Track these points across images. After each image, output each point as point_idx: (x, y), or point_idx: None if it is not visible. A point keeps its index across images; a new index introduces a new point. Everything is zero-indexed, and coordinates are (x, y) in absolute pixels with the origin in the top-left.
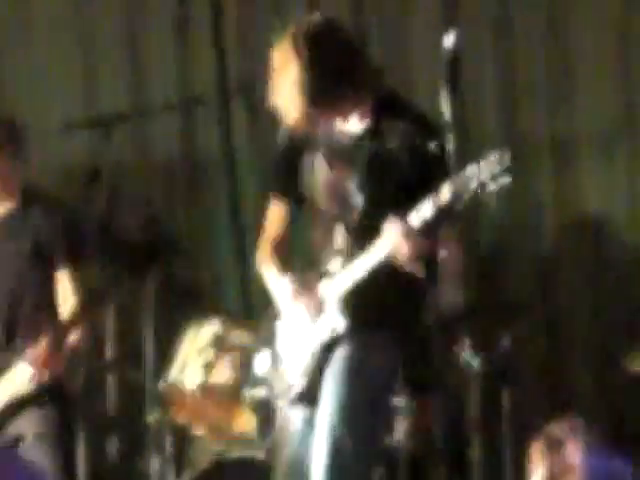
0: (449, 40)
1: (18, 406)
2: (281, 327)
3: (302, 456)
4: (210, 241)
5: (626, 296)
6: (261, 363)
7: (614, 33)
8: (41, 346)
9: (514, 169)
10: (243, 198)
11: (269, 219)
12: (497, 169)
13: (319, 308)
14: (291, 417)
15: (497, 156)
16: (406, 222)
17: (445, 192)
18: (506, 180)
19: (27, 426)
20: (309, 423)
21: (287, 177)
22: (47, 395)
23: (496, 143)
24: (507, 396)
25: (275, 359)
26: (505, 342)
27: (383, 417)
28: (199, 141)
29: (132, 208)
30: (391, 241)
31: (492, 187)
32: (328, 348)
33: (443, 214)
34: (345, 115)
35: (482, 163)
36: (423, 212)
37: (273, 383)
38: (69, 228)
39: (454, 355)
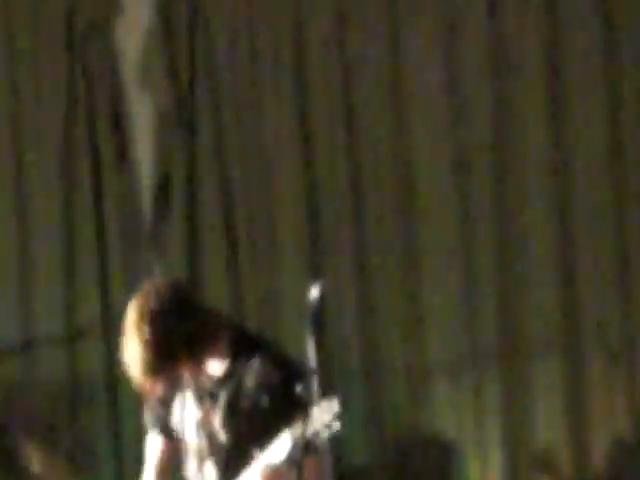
0: (314, 292)
1: None
2: None
3: None
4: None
5: None
6: None
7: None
8: None
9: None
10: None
11: (149, 454)
12: (328, 417)
13: None
14: None
15: (327, 404)
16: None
17: (285, 440)
18: (336, 426)
19: None
20: None
21: (163, 416)
22: None
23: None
24: None
25: None
26: None
27: None
28: (83, 370)
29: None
30: None
31: (325, 434)
32: None
33: (291, 453)
34: (202, 362)
35: (315, 411)
36: (273, 455)
37: None
38: None
39: None
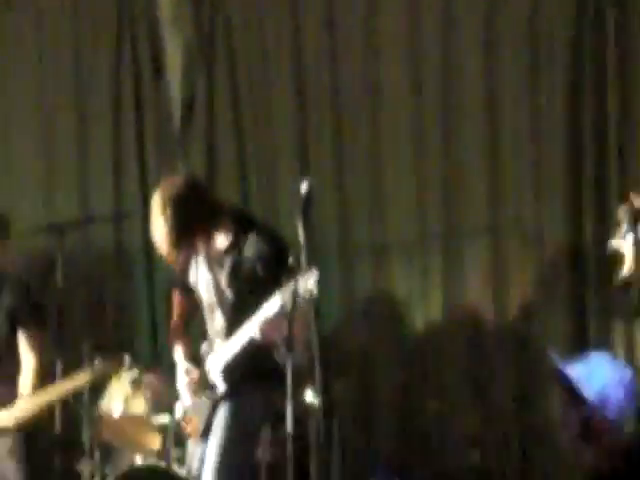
0: (303, 187)
1: None
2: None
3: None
4: (132, 312)
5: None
6: (177, 410)
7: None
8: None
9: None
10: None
11: (175, 306)
12: (310, 284)
13: (203, 382)
14: (194, 452)
15: (308, 274)
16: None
17: (275, 301)
18: (315, 292)
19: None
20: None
21: (183, 277)
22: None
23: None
24: (336, 425)
25: (186, 405)
26: (335, 389)
27: (253, 446)
28: (126, 244)
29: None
30: (250, 334)
31: (306, 297)
32: (217, 401)
33: (281, 309)
34: (212, 236)
35: (299, 279)
36: (267, 310)
37: (183, 425)
38: (32, 304)
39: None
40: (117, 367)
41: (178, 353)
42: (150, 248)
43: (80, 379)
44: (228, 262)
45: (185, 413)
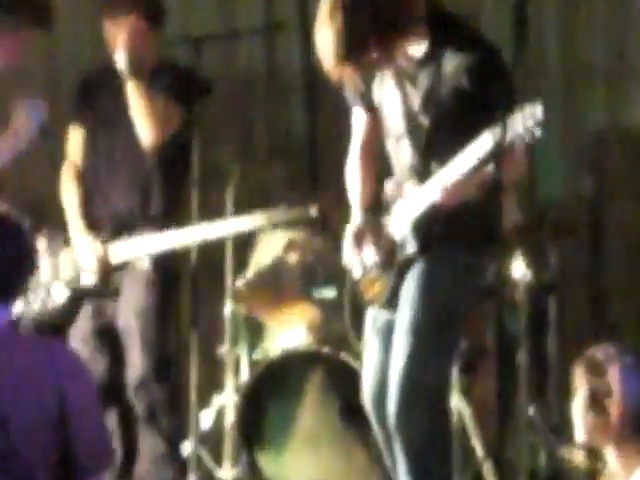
0: None
1: None
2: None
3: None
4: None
5: None
6: (354, 269)
7: None
8: None
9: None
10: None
11: (356, 129)
12: (530, 122)
13: (384, 249)
14: (375, 322)
15: (530, 109)
16: (445, 183)
17: (486, 140)
18: (537, 133)
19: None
20: (389, 328)
21: (365, 90)
22: None
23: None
24: (554, 308)
25: (362, 267)
26: (553, 257)
27: (456, 326)
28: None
29: None
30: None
31: (526, 139)
32: (406, 263)
33: (490, 155)
34: (394, 47)
35: (517, 115)
36: (462, 165)
37: (358, 289)
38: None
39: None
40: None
41: (355, 194)
42: (311, 68)
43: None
44: (424, 78)
45: (366, 273)
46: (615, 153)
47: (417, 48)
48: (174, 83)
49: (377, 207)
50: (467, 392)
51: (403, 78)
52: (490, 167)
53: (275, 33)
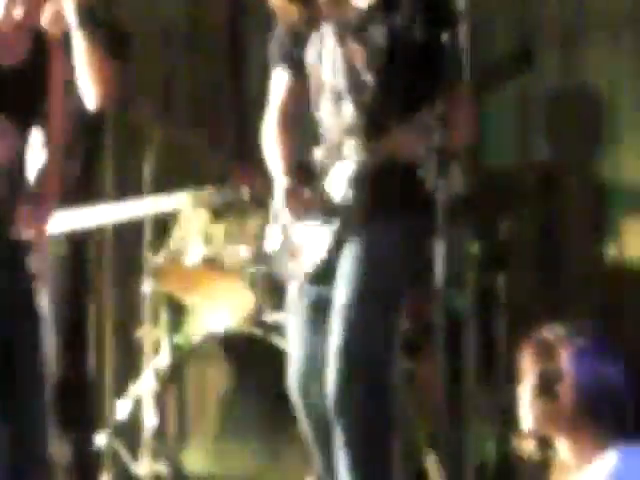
0: None
1: None
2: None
3: (315, 345)
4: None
5: None
6: (270, 239)
7: None
8: None
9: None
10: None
11: (275, 92)
12: (517, 63)
13: (316, 202)
14: (301, 297)
15: (518, 50)
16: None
17: (468, 83)
18: (523, 72)
19: None
20: (319, 305)
21: (294, 49)
22: None
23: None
24: (503, 282)
25: (286, 235)
26: (503, 229)
27: (398, 300)
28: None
29: None
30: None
31: (512, 78)
32: (343, 226)
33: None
34: None
35: (504, 57)
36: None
37: (283, 260)
38: None
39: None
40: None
41: (276, 160)
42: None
43: None
44: (372, 31)
45: (286, 245)
46: (570, 115)
47: None
48: (110, 37)
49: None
50: (410, 377)
51: (346, 33)
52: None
53: None
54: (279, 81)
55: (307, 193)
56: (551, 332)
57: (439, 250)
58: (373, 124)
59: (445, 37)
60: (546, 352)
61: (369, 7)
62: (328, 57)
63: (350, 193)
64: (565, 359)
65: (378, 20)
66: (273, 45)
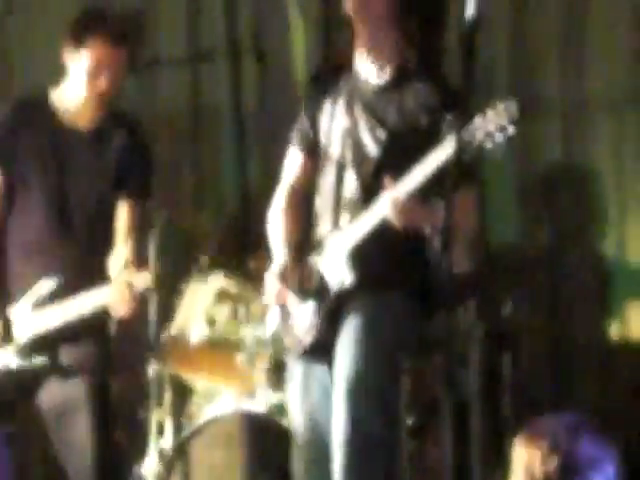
0: (470, 8)
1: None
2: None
3: (320, 420)
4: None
5: None
6: (270, 320)
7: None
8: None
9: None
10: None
11: (289, 169)
12: (504, 120)
13: (306, 285)
14: (297, 373)
15: (505, 106)
16: (399, 195)
17: (450, 143)
18: (512, 131)
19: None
20: (321, 379)
21: (309, 129)
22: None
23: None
24: (507, 361)
25: (285, 314)
26: (507, 307)
27: (398, 378)
28: (206, 96)
29: None
30: (384, 213)
31: (498, 138)
32: (338, 303)
33: (449, 168)
34: (385, 49)
35: (489, 113)
36: (420, 175)
37: (283, 338)
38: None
39: (456, 318)
40: None
41: (277, 236)
42: (240, 105)
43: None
44: (382, 108)
45: (283, 324)
46: (568, 193)
47: (379, 73)
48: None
49: (304, 250)
50: (416, 459)
51: (355, 104)
52: (440, 212)
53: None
54: (293, 159)
55: (300, 272)
56: (545, 429)
57: (443, 330)
58: (372, 195)
59: (448, 122)
60: (538, 453)
61: (384, 84)
62: (337, 129)
63: (347, 271)
64: (555, 466)
65: (391, 98)
66: (295, 129)
